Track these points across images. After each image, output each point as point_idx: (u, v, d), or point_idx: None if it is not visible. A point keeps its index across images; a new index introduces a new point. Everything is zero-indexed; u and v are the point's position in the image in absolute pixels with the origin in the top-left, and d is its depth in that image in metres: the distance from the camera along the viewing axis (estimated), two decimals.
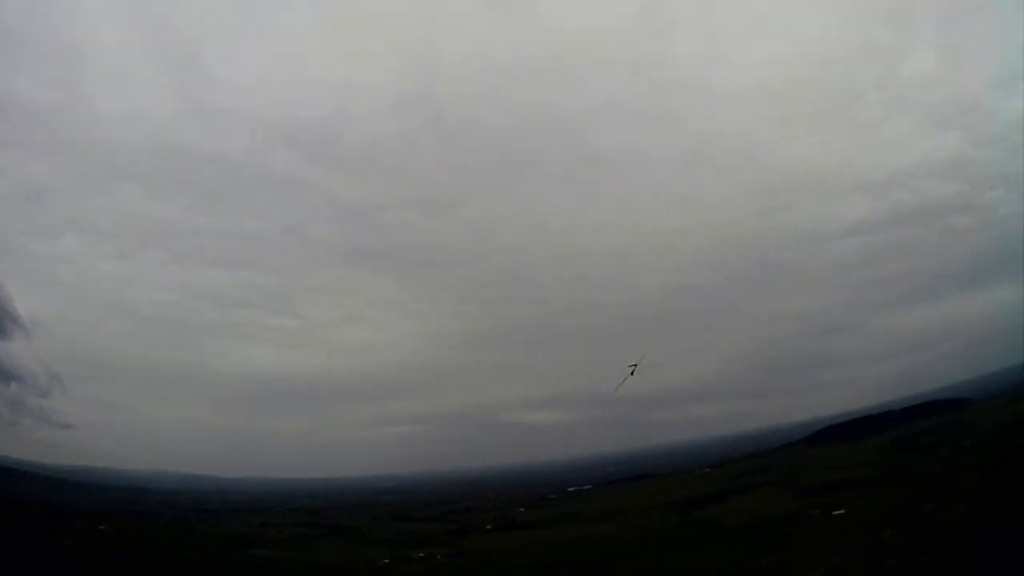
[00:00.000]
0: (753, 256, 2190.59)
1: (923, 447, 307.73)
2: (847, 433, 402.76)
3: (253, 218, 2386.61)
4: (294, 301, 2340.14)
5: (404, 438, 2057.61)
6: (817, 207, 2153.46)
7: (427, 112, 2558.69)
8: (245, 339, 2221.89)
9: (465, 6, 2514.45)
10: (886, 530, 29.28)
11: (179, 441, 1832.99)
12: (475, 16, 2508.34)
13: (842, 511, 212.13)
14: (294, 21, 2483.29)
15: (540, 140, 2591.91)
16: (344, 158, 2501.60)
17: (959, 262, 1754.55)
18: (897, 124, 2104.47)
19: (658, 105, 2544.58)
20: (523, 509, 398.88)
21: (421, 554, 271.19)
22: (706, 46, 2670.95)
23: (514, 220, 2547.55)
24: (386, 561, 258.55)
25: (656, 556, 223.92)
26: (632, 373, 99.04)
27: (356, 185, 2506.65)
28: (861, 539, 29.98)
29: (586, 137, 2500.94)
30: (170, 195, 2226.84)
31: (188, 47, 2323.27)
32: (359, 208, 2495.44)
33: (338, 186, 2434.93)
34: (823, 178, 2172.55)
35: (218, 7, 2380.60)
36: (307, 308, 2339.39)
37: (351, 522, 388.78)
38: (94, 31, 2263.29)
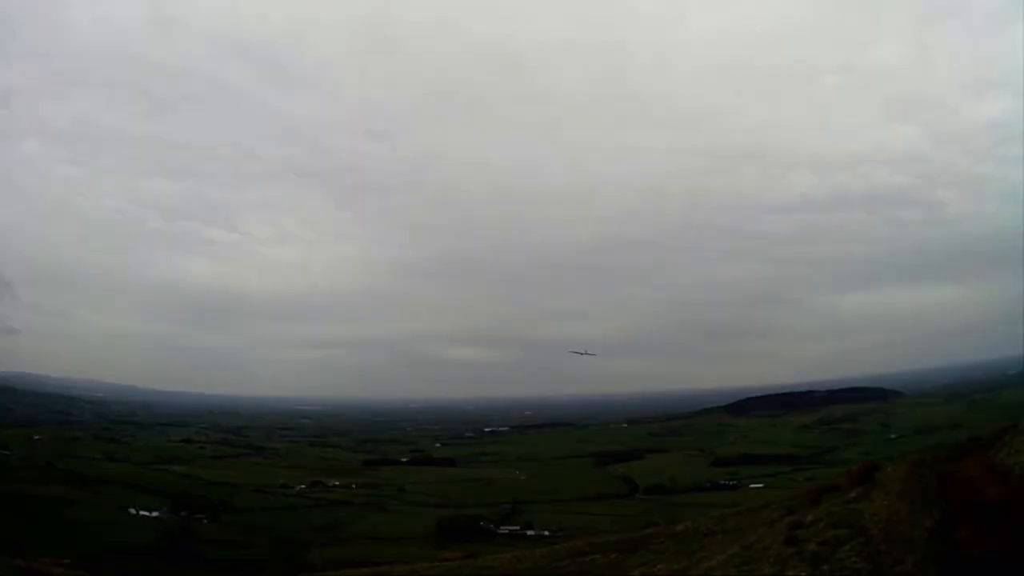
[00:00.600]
0: (689, 217, 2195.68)
1: (847, 432, 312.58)
2: (768, 407, 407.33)
3: (201, 131, 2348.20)
4: (233, 216, 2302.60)
5: (328, 362, 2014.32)
6: (760, 178, 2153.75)
7: (378, 36, 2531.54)
8: (183, 250, 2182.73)
9: None
10: (808, 512, 28.74)
11: (112, 350, 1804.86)
12: None
13: (760, 485, 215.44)
14: None
15: (488, 75, 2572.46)
16: (294, 78, 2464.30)
17: (901, 254, 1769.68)
18: (854, 109, 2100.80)
19: (610, 55, 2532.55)
20: (439, 445, 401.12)
21: (336, 482, 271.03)
22: (668, 2, 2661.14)
23: (455, 152, 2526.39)
24: (302, 486, 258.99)
25: (566, 506, 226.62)
26: (581, 353, 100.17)
27: (303, 105, 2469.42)
28: (781, 519, 29.38)
29: (534, 77, 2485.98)
30: (125, 103, 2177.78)
31: None
32: (303, 128, 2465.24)
33: (285, 105, 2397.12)
34: (769, 150, 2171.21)
35: None
36: (245, 224, 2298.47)
37: (271, 443, 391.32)
38: None
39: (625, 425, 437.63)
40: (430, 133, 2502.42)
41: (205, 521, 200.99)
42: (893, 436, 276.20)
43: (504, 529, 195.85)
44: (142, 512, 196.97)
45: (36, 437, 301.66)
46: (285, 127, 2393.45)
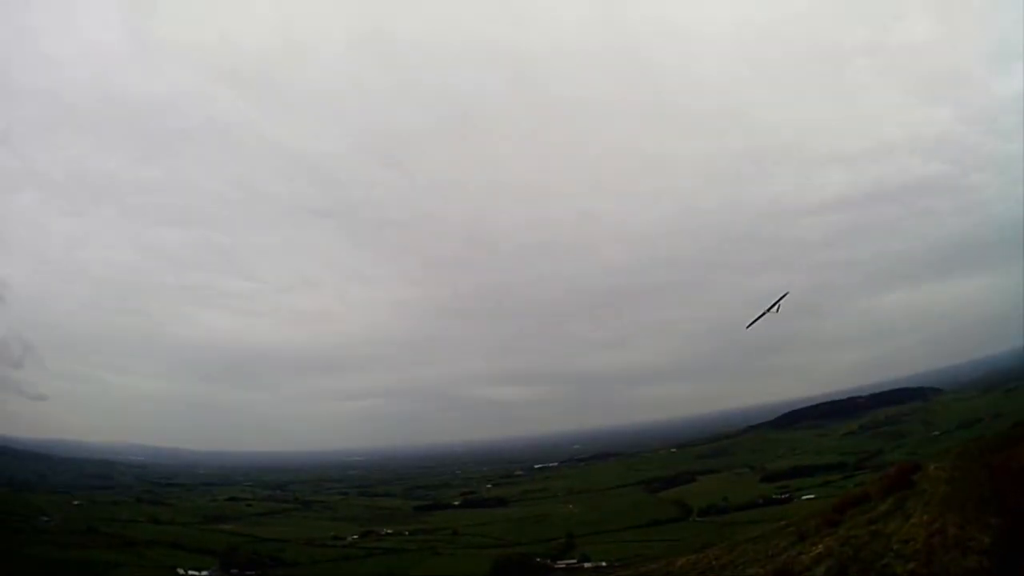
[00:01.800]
0: (723, 229, 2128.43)
1: (892, 434, 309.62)
2: (813, 418, 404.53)
3: (203, 171, 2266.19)
4: (248, 263, 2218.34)
5: (368, 412, 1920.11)
6: (795, 178, 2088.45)
7: (380, 52, 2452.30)
8: (201, 304, 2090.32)
9: None
10: (818, 540, 27.14)
11: (146, 413, 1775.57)
12: None
13: (812, 496, 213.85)
14: None
15: (498, 86, 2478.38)
16: (295, 104, 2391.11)
17: (936, 247, 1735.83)
18: (883, 93, 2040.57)
19: (625, 50, 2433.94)
20: (490, 486, 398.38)
21: (389, 530, 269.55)
22: None
23: (474, 177, 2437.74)
24: (354, 537, 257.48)
25: (621, 535, 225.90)
26: (775, 310, 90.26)
27: (307, 134, 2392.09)
28: (782, 552, 28.35)
29: (547, 85, 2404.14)
30: (119, 146, 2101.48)
31: None
32: (312, 160, 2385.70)
33: (288, 136, 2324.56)
34: (803, 146, 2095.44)
35: None
36: (262, 271, 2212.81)
37: (318, 497, 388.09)
38: None
39: (673, 450, 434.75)
40: (445, 156, 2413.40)
41: None
42: (936, 433, 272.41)
43: (561, 564, 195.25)
44: (190, 572, 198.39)
45: (76, 502, 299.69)
46: (290, 160, 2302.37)
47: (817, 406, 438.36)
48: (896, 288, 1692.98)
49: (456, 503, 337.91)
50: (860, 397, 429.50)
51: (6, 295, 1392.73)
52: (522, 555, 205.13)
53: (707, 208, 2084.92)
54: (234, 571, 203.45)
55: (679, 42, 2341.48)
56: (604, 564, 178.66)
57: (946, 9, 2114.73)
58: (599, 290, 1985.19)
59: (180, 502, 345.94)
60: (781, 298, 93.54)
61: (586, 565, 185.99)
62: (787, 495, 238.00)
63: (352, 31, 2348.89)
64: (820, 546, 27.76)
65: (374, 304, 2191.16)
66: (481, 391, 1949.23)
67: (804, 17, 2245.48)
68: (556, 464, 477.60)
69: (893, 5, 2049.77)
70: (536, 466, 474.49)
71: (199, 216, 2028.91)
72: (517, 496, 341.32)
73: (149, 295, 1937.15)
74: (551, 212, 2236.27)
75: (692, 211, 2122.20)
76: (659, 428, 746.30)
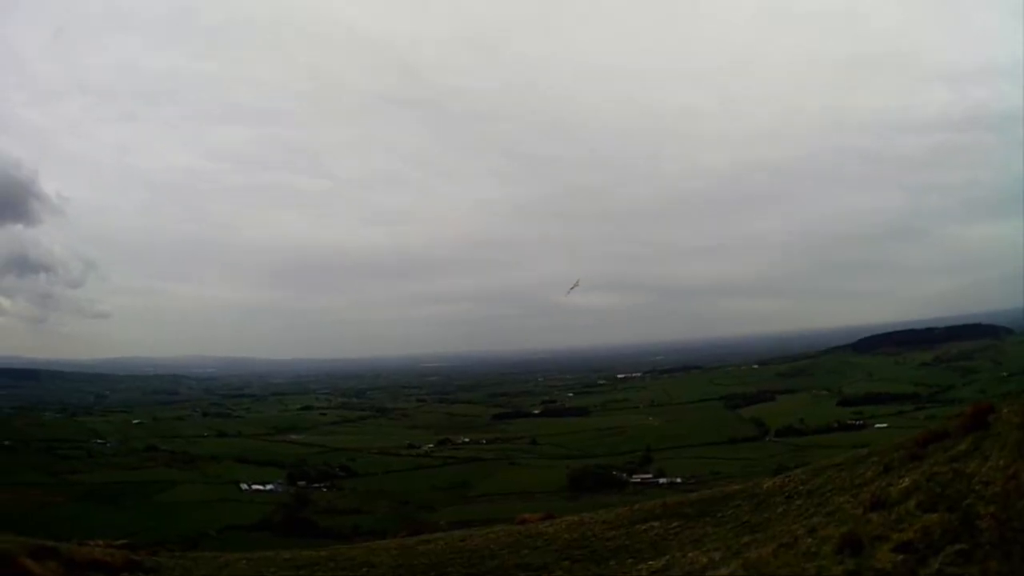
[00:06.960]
0: (824, 135, 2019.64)
1: (962, 370, 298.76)
2: (891, 344, 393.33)
3: (269, 62, 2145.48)
4: (323, 160, 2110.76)
5: (450, 317, 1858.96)
6: (895, 92, 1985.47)
7: None
8: (272, 205, 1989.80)
9: None
10: (905, 473, 24.11)
11: (215, 324, 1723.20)
12: None
13: (885, 425, 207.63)
14: None
15: None
16: None
17: None
18: (996, 11, 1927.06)
19: None
20: (571, 395, 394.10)
21: (465, 439, 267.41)
22: None
23: (563, 63, 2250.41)
24: (429, 446, 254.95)
25: (698, 451, 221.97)
26: (571, 289, 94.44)
27: (384, 15, 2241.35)
28: (870, 482, 25.09)
29: None
30: (173, 42, 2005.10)
31: None
32: (389, 45, 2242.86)
33: (363, 16, 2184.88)
34: (906, 58, 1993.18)
35: None
36: (338, 168, 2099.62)
37: (396, 404, 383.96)
38: None
39: (755, 367, 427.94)
40: (532, 40, 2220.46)
41: (324, 490, 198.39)
42: (1005, 374, 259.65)
43: (636, 478, 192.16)
44: (255, 486, 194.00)
45: (135, 421, 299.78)
46: (366, 45, 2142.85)
47: (895, 333, 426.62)
48: (983, 220, 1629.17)
49: (536, 412, 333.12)
50: (937, 328, 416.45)
51: (64, 211, 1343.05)
52: (598, 467, 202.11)
53: (804, 116, 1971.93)
54: (301, 483, 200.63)
55: None
56: (679, 480, 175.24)
57: None
58: (694, 195, 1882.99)
59: (249, 413, 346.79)
60: (575, 284, 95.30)
61: (661, 481, 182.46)
62: (861, 422, 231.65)
63: None
64: (907, 479, 23.80)
65: (458, 202, 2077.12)
66: (567, 297, 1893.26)
67: None
68: (639, 374, 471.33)
69: None
70: (619, 376, 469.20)
71: (267, 112, 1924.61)
72: (598, 406, 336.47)
73: (214, 198, 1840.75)
74: (645, 102, 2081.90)
75: (789, 117, 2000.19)
76: (741, 344, 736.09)
